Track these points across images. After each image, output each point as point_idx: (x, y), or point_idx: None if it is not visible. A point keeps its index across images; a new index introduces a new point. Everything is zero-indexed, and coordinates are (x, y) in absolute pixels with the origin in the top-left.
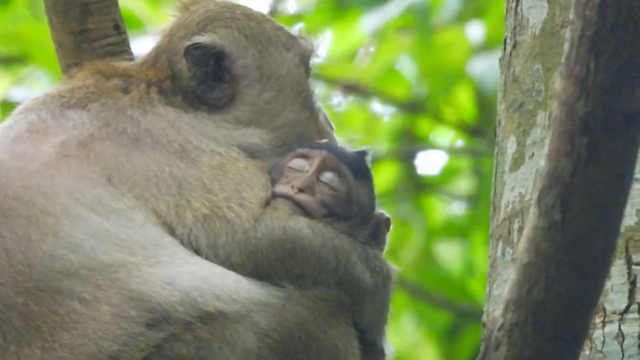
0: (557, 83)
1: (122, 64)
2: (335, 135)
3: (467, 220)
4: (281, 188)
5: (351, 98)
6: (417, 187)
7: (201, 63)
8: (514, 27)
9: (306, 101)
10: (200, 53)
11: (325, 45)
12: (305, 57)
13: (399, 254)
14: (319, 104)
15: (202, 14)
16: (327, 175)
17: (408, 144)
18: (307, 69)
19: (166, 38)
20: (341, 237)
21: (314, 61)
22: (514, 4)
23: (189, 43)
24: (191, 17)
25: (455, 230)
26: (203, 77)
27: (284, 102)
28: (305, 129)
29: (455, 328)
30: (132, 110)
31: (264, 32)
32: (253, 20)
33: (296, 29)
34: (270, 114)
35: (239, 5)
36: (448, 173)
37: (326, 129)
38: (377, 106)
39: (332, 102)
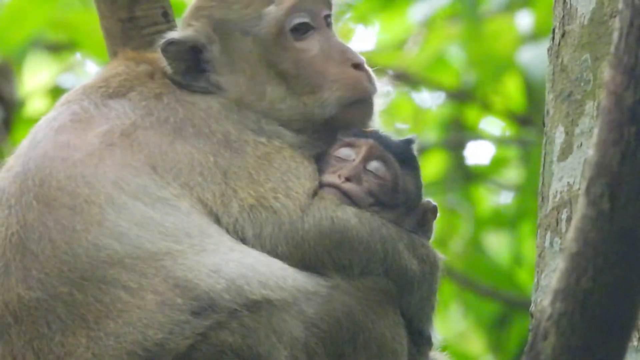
0: (606, 72)
1: (151, 52)
2: (354, 50)
3: (515, 210)
4: (328, 177)
5: (400, 87)
6: (466, 176)
7: (179, 57)
8: (563, 17)
9: (286, 71)
10: (175, 49)
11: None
12: (278, 22)
13: (448, 244)
14: (329, 42)
15: (193, 5)
16: (374, 164)
17: (456, 134)
18: (282, 34)
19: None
20: (388, 226)
21: (294, 20)
22: None
23: (162, 40)
24: (188, 9)
25: (503, 220)
26: (185, 70)
27: (262, 83)
28: (293, 106)
29: (503, 318)
30: (167, 98)
31: (228, 18)
32: (223, 6)
33: None
34: (253, 98)
35: None
36: (496, 163)
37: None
38: (425, 95)
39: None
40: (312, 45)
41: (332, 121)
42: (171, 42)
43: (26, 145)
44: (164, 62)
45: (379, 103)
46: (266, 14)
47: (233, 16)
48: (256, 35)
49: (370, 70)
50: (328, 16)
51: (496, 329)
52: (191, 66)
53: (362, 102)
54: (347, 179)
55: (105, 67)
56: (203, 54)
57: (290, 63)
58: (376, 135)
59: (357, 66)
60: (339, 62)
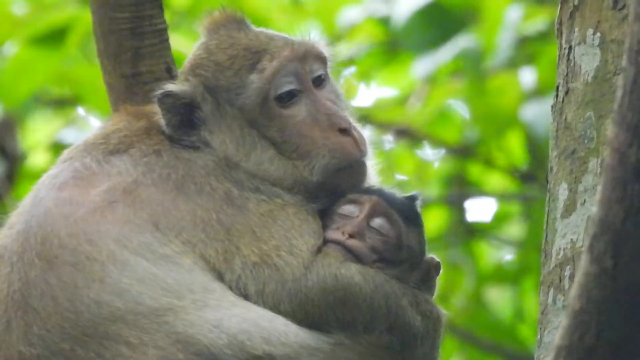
0: (609, 130)
1: (152, 105)
2: (347, 108)
3: (517, 266)
4: (332, 234)
5: (402, 142)
6: (468, 232)
7: (174, 110)
8: (567, 74)
9: (272, 136)
10: (171, 101)
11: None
12: (255, 94)
13: (450, 299)
14: (320, 102)
15: (191, 59)
16: (378, 221)
17: (459, 189)
18: (266, 103)
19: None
20: (392, 283)
21: (279, 89)
22: (566, 51)
23: (159, 91)
24: (188, 61)
25: (506, 275)
26: (178, 124)
27: (251, 145)
28: (280, 168)
29: None
30: (166, 154)
31: (220, 82)
32: (218, 69)
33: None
34: (242, 158)
35: (221, 47)
36: (499, 218)
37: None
38: (427, 150)
39: (383, 146)
40: (298, 111)
41: (323, 185)
42: (168, 95)
43: (29, 203)
44: (159, 115)
45: (372, 163)
46: (250, 83)
47: (223, 82)
48: (242, 105)
49: (359, 133)
50: (320, 77)
51: None
52: (184, 120)
53: (349, 168)
54: (351, 236)
55: (106, 122)
56: (197, 111)
57: (276, 130)
58: (380, 192)
59: (344, 131)
60: (325, 128)
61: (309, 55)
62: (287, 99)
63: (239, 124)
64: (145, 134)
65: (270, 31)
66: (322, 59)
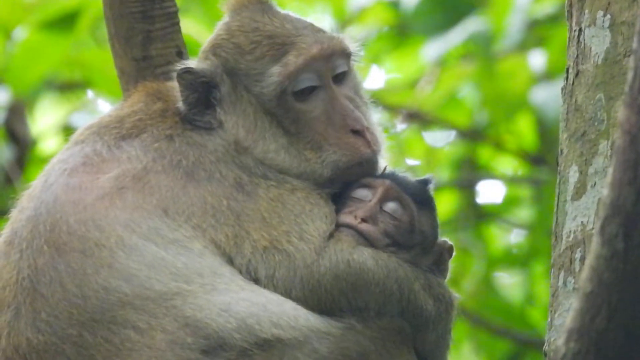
0: (620, 112)
1: (173, 84)
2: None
3: (527, 249)
4: (344, 218)
5: (412, 126)
6: (478, 215)
7: (192, 88)
8: (577, 56)
9: (286, 127)
10: (192, 78)
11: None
12: (289, 84)
13: (460, 283)
14: (337, 103)
15: (213, 38)
16: (390, 205)
17: (469, 173)
18: (284, 95)
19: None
20: (404, 267)
21: (298, 85)
22: (576, 33)
23: (179, 67)
24: (209, 40)
25: (516, 259)
26: (194, 102)
27: (261, 133)
28: (292, 158)
29: (515, 357)
30: (178, 139)
31: (238, 65)
32: (238, 52)
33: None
34: (251, 142)
35: (244, 30)
36: (509, 202)
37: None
38: (438, 134)
39: (393, 129)
40: (314, 106)
41: (333, 180)
42: (188, 71)
43: (38, 188)
44: (176, 94)
45: (384, 159)
46: (270, 75)
47: (243, 66)
48: (259, 93)
49: (372, 133)
50: (342, 73)
51: None
52: (201, 99)
53: (359, 165)
54: (364, 220)
55: (124, 101)
56: (213, 90)
57: (290, 122)
58: (393, 176)
59: (356, 132)
60: (339, 127)
61: (335, 53)
62: (305, 94)
63: (253, 109)
64: (160, 117)
65: (296, 18)
66: (347, 55)
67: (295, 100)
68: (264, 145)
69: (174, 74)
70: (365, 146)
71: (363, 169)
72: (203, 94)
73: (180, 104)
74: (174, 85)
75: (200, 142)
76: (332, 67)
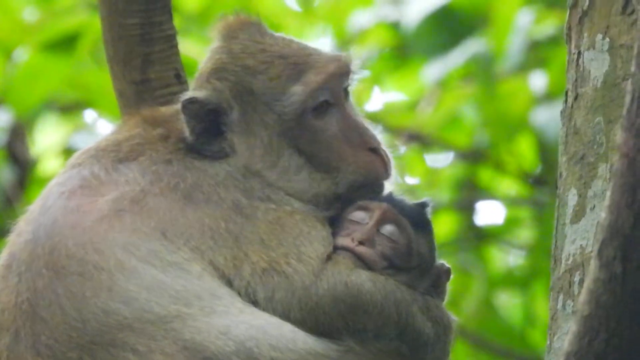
0: (618, 135)
1: (170, 109)
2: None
3: (527, 270)
4: (341, 240)
5: (413, 147)
6: (478, 236)
7: (199, 117)
8: (576, 80)
9: (302, 147)
10: (197, 107)
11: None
12: (297, 105)
13: (460, 304)
14: (332, 128)
15: (212, 64)
16: (387, 228)
17: (469, 194)
18: (304, 113)
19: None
20: (402, 289)
21: (316, 100)
22: (575, 56)
23: (184, 97)
24: (205, 66)
25: (516, 280)
26: (201, 131)
27: (278, 155)
28: (305, 179)
29: None
30: (177, 163)
31: (254, 89)
32: (249, 74)
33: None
34: (265, 167)
35: (250, 52)
36: (509, 223)
37: (353, 138)
38: (438, 155)
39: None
40: (330, 124)
41: (340, 197)
42: (193, 101)
43: (36, 211)
44: (180, 122)
45: (391, 183)
46: (292, 94)
47: (256, 87)
48: (280, 112)
49: (386, 152)
50: (347, 89)
51: None
52: (207, 127)
53: (371, 185)
54: (361, 242)
55: (120, 126)
56: (222, 116)
57: (307, 142)
58: (390, 199)
59: (374, 150)
60: (356, 145)
61: (350, 71)
62: (323, 110)
63: (268, 132)
64: (160, 142)
65: (293, 39)
66: (348, 73)
67: (314, 118)
68: (282, 166)
69: (179, 105)
70: (382, 167)
71: (372, 190)
72: (210, 122)
73: (187, 134)
74: (171, 110)
75: (199, 167)
76: (343, 84)
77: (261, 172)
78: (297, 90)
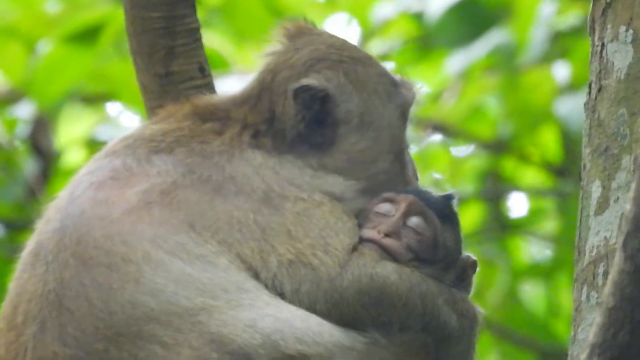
0: None
1: (225, 102)
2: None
3: (551, 261)
4: (367, 232)
5: (436, 138)
6: (502, 227)
7: (308, 106)
8: (599, 71)
9: (400, 154)
10: (309, 95)
11: (424, 94)
12: (404, 107)
13: (484, 295)
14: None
15: (308, 53)
16: (414, 220)
17: (493, 185)
18: (404, 119)
19: (269, 75)
20: (428, 282)
21: (412, 111)
22: (599, 48)
23: (298, 85)
24: (296, 56)
25: (540, 271)
26: (310, 120)
27: (379, 153)
28: (394, 178)
29: None
30: (219, 155)
31: (369, 79)
32: (360, 64)
33: (399, 75)
34: (362, 162)
35: (346, 45)
36: (533, 214)
37: (413, 181)
38: (462, 147)
39: (417, 142)
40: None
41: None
42: (306, 89)
43: (65, 200)
44: (285, 108)
45: None
46: (399, 92)
47: (372, 80)
48: (396, 104)
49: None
50: None
51: None
52: (314, 117)
53: None
54: (387, 235)
55: (168, 115)
56: (329, 105)
57: (401, 144)
58: (416, 191)
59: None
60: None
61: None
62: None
63: (380, 125)
64: (210, 135)
65: None
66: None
67: (404, 126)
68: (380, 164)
69: (291, 93)
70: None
71: None
72: (316, 111)
73: (291, 123)
74: (225, 101)
75: (247, 158)
76: None
77: (353, 169)
78: (402, 91)
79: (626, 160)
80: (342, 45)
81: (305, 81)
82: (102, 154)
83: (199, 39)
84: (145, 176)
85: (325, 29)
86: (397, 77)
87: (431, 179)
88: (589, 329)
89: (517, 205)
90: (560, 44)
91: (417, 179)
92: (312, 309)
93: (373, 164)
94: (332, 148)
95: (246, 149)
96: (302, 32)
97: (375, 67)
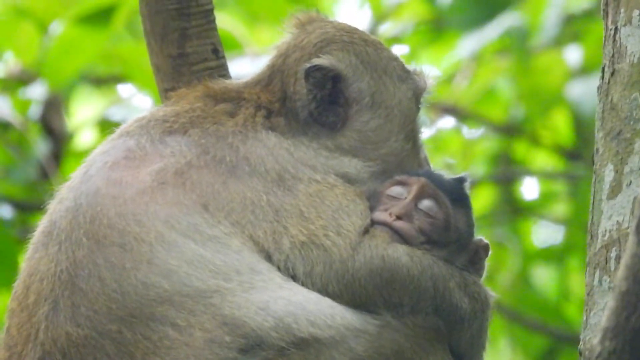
0: None
1: (237, 85)
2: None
3: (563, 245)
4: (379, 215)
5: (449, 121)
6: (514, 210)
7: (320, 85)
8: (612, 55)
9: (411, 134)
10: (321, 75)
11: (436, 83)
12: (417, 92)
13: (496, 278)
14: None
15: (319, 36)
16: (425, 203)
17: (505, 167)
18: (417, 104)
19: (281, 58)
20: (439, 264)
21: (425, 98)
22: (612, 32)
23: (309, 65)
24: (307, 38)
25: (551, 254)
26: (321, 99)
27: (390, 132)
28: (405, 160)
29: (551, 352)
30: (233, 136)
31: (380, 60)
32: (370, 46)
33: (411, 64)
34: (374, 142)
35: (356, 30)
36: (545, 197)
37: (424, 165)
38: (473, 129)
39: (429, 125)
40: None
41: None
42: (318, 68)
43: (79, 178)
44: (297, 88)
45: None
46: (411, 77)
47: (383, 62)
48: (408, 86)
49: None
50: None
51: None
52: (326, 96)
53: None
54: (399, 217)
55: (180, 97)
56: (341, 85)
57: (416, 127)
58: (428, 174)
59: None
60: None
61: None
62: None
63: (391, 106)
64: (223, 116)
65: None
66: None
67: (417, 111)
68: (391, 145)
69: (302, 73)
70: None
71: None
72: (329, 90)
73: (303, 103)
74: (237, 85)
75: (261, 139)
76: None
77: (364, 149)
78: (415, 77)
79: (639, 144)
80: (352, 29)
81: (316, 61)
82: (116, 135)
83: (212, 21)
84: (159, 156)
85: (336, 19)
86: (410, 65)
87: (443, 162)
88: (601, 313)
89: (529, 188)
90: (572, 27)
91: (428, 165)
92: (324, 290)
93: (385, 143)
94: (344, 127)
95: (260, 130)
96: (312, 20)
97: (386, 51)
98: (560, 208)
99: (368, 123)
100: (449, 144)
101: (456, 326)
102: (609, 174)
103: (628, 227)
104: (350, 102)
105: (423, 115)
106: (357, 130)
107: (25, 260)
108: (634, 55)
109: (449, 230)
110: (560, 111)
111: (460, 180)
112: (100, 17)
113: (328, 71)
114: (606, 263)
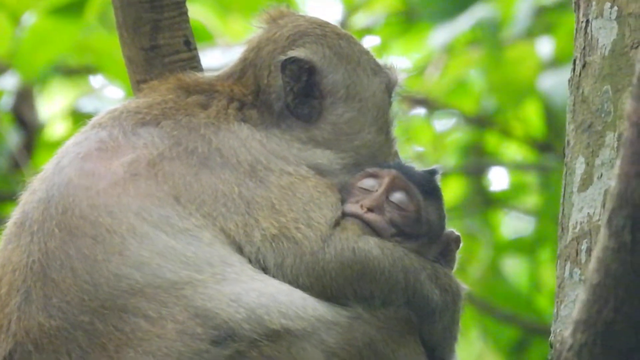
0: (628, 104)
1: (209, 78)
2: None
3: (533, 236)
4: (350, 207)
5: (419, 112)
6: (485, 202)
7: (296, 78)
8: (584, 48)
9: (384, 126)
10: (296, 67)
11: (408, 77)
12: (389, 86)
13: (467, 269)
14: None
15: (292, 29)
16: (397, 195)
17: (476, 159)
18: (390, 98)
19: (253, 51)
20: (410, 256)
21: (397, 92)
22: (583, 25)
23: (284, 57)
24: (280, 32)
25: (522, 245)
26: (297, 92)
27: (363, 124)
28: (378, 153)
29: (522, 343)
30: (205, 128)
31: (354, 53)
32: (343, 39)
33: (383, 57)
34: (347, 134)
35: (328, 23)
36: (515, 188)
37: (398, 157)
38: (445, 121)
39: (402, 116)
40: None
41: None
42: (293, 60)
43: (51, 170)
44: (271, 81)
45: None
46: (383, 71)
47: (356, 55)
48: (380, 79)
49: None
50: None
51: (515, 354)
52: (301, 89)
53: None
54: (370, 210)
55: (152, 89)
56: (316, 77)
57: (389, 119)
58: (399, 166)
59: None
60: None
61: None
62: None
63: (360, 98)
64: (196, 108)
65: None
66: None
67: (390, 104)
68: (365, 137)
69: (278, 65)
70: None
71: None
72: (304, 83)
73: (278, 96)
74: (208, 78)
75: (234, 130)
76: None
77: (339, 140)
78: (387, 71)
79: (610, 137)
80: (324, 23)
81: (292, 53)
82: (88, 126)
83: (184, 13)
84: (132, 148)
85: (306, 13)
86: (381, 60)
87: (414, 153)
88: (572, 305)
89: (500, 179)
90: (544, 19)
91: (398, 158)
92: (295, 282)
93: (358, 135)
94: (318, 120)
95: (233, 121)
96: (283, 15)
97: (358, 44)
98: (531, 200)
99: (342, 115)
100: (420, 135)
101: (428, 318)
102: (580, 167)
103: (599, 220)
104: (325, 95)
105: (396, 108)
106: (331, 123)
107: None
108: (605, 48)
109: (420, 223)
110: (531, 103)
111: (432, 173)
112: (73, 9)
113: (304, 63)
114: (577, 255)
